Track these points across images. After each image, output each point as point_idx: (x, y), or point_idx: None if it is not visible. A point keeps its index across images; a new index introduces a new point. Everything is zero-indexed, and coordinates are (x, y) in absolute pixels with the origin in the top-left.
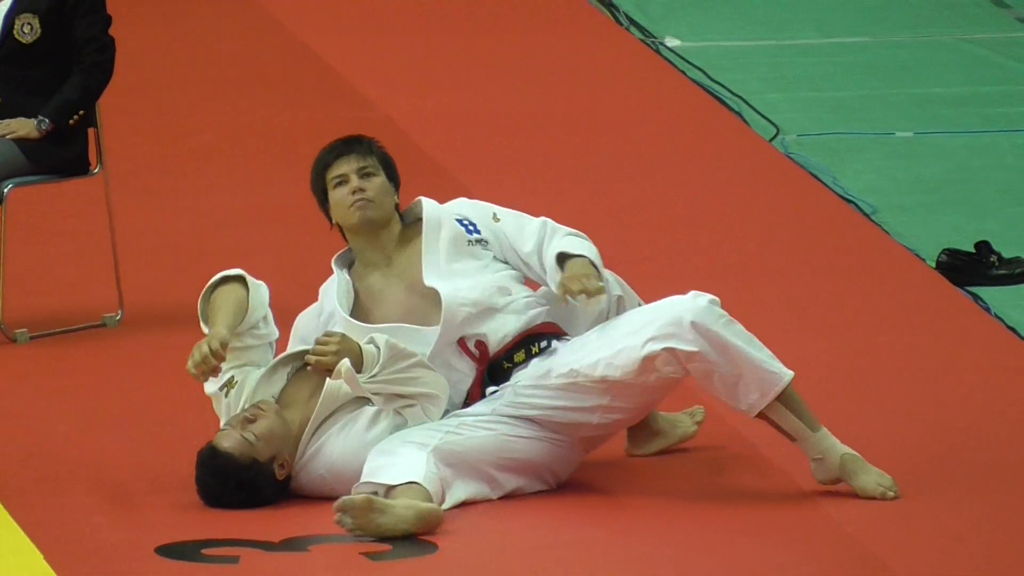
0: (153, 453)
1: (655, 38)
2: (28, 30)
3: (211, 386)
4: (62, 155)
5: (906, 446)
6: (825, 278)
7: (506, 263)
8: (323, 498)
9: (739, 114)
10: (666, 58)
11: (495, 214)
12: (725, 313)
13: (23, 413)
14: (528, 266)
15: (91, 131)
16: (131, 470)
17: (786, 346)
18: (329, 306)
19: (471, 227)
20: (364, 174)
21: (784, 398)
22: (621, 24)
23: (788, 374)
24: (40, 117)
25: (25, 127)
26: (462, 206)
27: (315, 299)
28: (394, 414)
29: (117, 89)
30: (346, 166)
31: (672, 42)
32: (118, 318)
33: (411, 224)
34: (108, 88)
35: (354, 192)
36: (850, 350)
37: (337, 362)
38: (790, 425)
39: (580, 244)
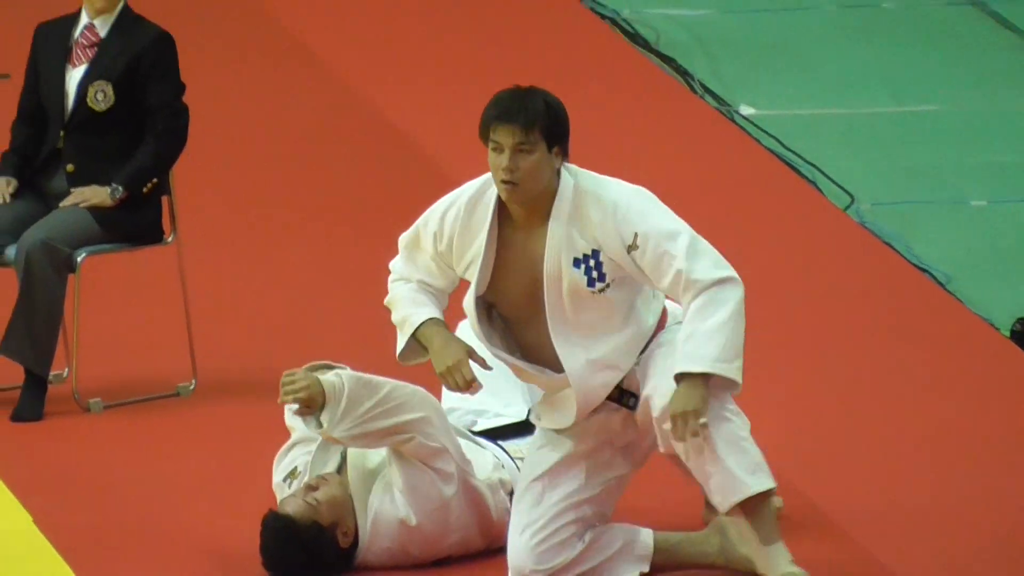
0: (224, 524)
1: (729, 106)
2: (102, 97)
3: (277, 475)
4: (136, 223)
5: (977, 516)
6: (898, 346)
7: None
8: (396, 567)
9: (813, 182)
10: (740, 126)
11: (636, 237)
12: (728, 407)
13: (96, 482)
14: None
15: (164, 199)
16: (202, 540)
17: (859, 412)
18: (468, 251)
19: (594, 273)
20: (519, 149)
21: (749, 506)
22: (695, 92)
23: (754, 488)
24: (113, 185)
25: (98, 195)
26: (605, 213)
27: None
28: (407, 465)
29: (191, 156)
30: (504, 136)
31: (746, 110)
32: (192, 387)
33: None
34: (182, 155)
35: (505, 170)
36: (922, 417)
37: (307, 399)
38: (747, 533)
39: (711, 337)
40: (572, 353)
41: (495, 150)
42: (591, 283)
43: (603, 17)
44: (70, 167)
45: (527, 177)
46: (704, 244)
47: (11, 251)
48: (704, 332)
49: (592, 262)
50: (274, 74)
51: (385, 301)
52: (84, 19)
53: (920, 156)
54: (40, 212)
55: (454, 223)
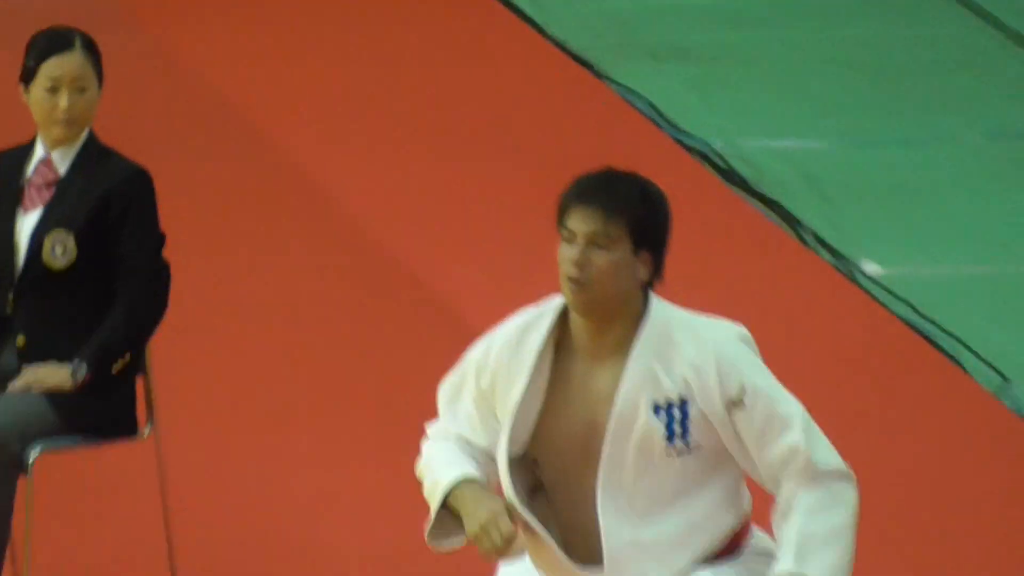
0: None
1: (849, 262)
2: (60, 251)
3: None
4: (103, 411)
5: None
6: None
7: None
8: None
9: (955, 359)
10: (863, 287)
11: (744, 392)
12: None
13: None
14: (754, 470)
15: (139, 380)
16: None
17: None
18: (514, 387)
19: (677, 427)
20: (593, 242)
21: None
22: (806, 244)
23: None
24: (75, 362)
25: (56, 376)
26: (706, 355)
27: None
28: None
29: (172, 325)
30: (579, 223)
31: (870, 267)
32: None
33: (643, 320)
34: (162, 324)
35: (574, 263)
36: None
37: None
38: None
39: (828, 543)
40: (617, 528)
41: (566, 240)
42: (670, 438)
43: (690, 150)
44: (21, 339)
45: (600, 277)
46: (813, 421)
47: None
48: (822, 536)
49: (678, 413)
50: (274, 215)
51: (416, 470)
52: (39, 152)
53: None
54: None
55: (501, 350)
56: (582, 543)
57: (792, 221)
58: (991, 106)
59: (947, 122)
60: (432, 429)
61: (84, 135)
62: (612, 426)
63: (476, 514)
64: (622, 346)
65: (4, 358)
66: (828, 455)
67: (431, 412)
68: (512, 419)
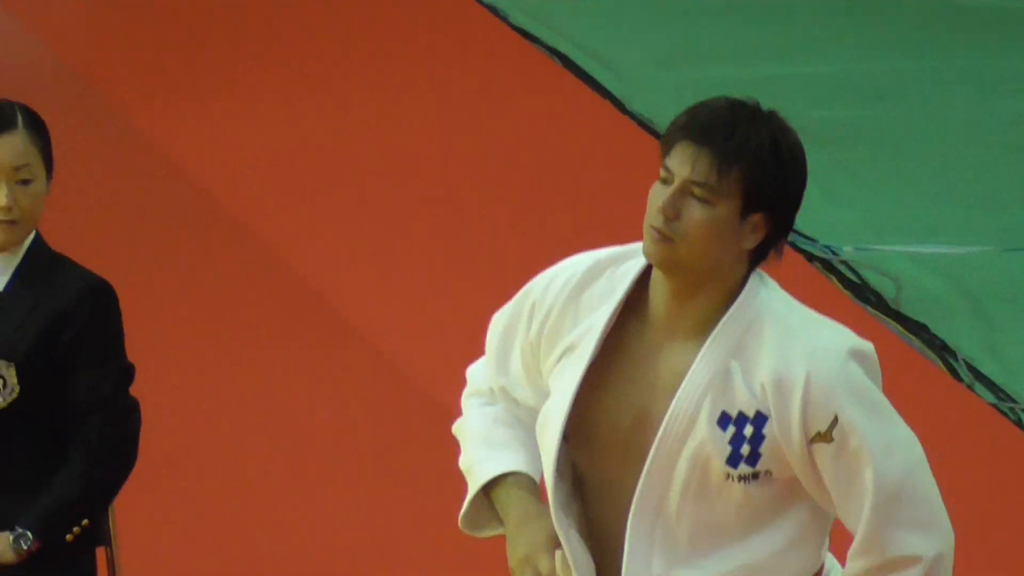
0: None
1: (1015, 403)
2: (1, 386)
3: None
4: None
5: None
6: None
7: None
8: None
9: None
10: None
11: (835, 423)
12: None
13: None
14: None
15: (100, 551)
16: None
17: None
18: (568, 335)
19: (746, 446)
20: (690, 191)
21: None
22: (960, 378)
23: None
24: (18, 530)
25: None
26: (793, 382)
27: None
28: None
29: (143, 477)
30: (680, 164)
31: None
32: None
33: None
34: (129, 479)
35: (661, 210)
36: None
37: None
38: None
39: None
40: (644, 559)
41: (663, 180)
42: (734, 460)
43: (811, 258)
44: None
45: (691, 235)
46: (928, 486)
47: None
48: None
49: (750, 429)
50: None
51: (453, 428)
52: None
53: None
54: None
55: (562, 289)
56: (611, 564)
57: (941, 348)
58: None
59: None
60: (476, 375)
61: (29, 239)
62: (665, 426)
63: (517, 541)
64: (703, 327)
65: None
66: (934, 538)
67: None
68: (572, 397)
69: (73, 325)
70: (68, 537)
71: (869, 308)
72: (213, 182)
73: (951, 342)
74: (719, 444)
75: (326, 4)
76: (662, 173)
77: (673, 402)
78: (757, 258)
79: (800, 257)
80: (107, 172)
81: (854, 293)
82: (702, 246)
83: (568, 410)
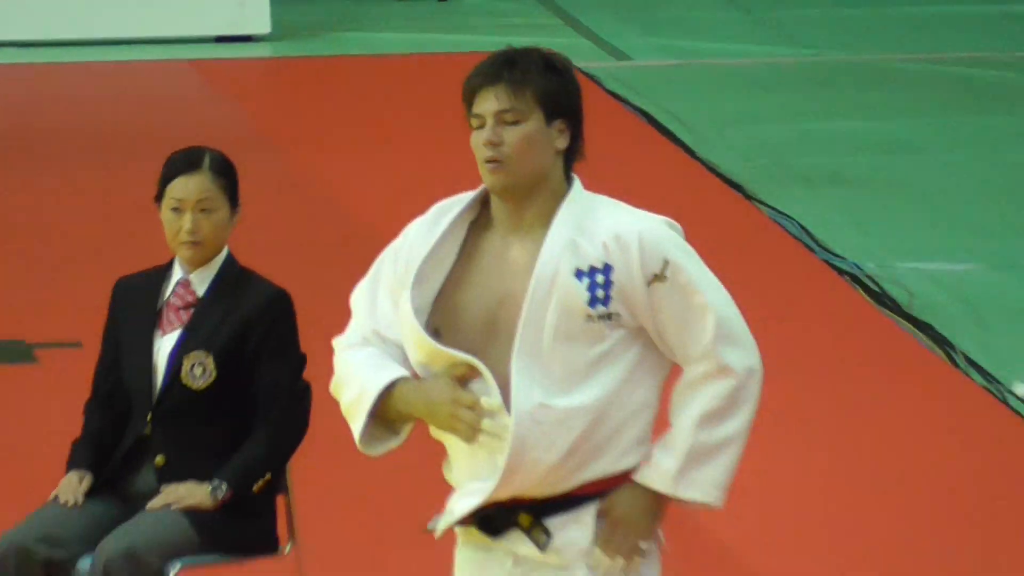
0: None
1: (1000, 384)
2: (200, 372)
3: None
4: (243, 530)
5: None
6: None
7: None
8: None
9: None
10: (1014, 408)
11: (667, 265)
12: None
13: None
14: (669, 351)
15: (280, 499)
16: None
17: None
18: (411, 255)
19: (600, 291)
20: (502, 120)
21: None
22: (958, 366)
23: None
24: (215, 482)
25: (197, 495)
26: (630, 229)
27: None
28: None
29: (314, 444)
30: (485, 103)
31: (1021, 389)
32: None
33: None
34: (302, 445)
35: (487, 144)
36: None
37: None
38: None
39: (717, 453)
40: (528, 391)
41: (476, 127)
42: (593, 302)
43: (842, 273)
44: (160, 459)
45: (517, 153)
46: (735, 313)
47: (85, 564)
48: (710, 447)
49: (601, 278)
50: None
51: (331, 388)
52: (177, 273)
53: None
54: (121, 516)
55: (416, 232)
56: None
57: (945, 344)
58: None
59: None
60: (341, 341)
61: (222, 256)
62: (531, 290)
63: (434, 406)
64: (542, 220)
65: (143, 477)
66: (739, 353)
67: None
68: (415, 275)
69: (259, 326)
70: (255, 488)
71: (887, 312)
72: (377, 218)
73: (951, 339)
74: (579, 291)
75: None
76: (473, 123)
77: (536, 270)
78: (570, 159)
79: (834, 273)
80: (286, 207)
81: (875, 300)
82: (526, 158)
83: (431, 305)
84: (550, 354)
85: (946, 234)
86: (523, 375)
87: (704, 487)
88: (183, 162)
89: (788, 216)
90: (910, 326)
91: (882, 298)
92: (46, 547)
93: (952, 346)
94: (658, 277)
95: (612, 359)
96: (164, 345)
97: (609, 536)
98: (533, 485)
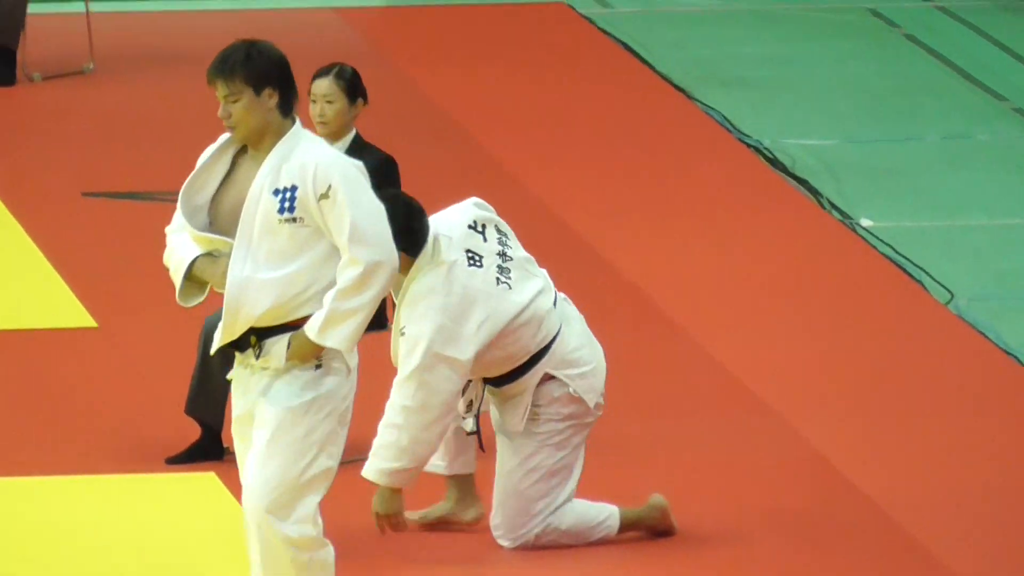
0: None
1: (852, 219)
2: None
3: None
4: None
5: None
6: (978, 419)
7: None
8: None
9: (920, 282)
10: (861, 236)
11: (331, 189)
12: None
13: None
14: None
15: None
16: None
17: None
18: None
19: (287, 204)
20: (228, 100)
21: None
22: (824, 207)
23: None
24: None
25: None
26: (314, 160)
27: None
28: None
29: None
30: (217, 89)
31: (866, 222)
32: None
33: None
34: None
35: (222, 118)
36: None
37: None
38: None
39: (338, 316)
40: (240, 267)
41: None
42: (281, 210)
43: (749, 147)
44: None
45: (240, 121)
46: (378, 225)
47: None
48: (344, 312)
49: (288, 195)
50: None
51: (164, 257)
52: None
53: (1010, 261)
54: None
55: (203, 154)
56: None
57: (815, 193)
58: (940, 120)
59: (913, 127)
60: (169, 228)
61: (351, 134)
62: (247, 201)
63: (213, 275)
64: (267, 152)
65: None
66: (366, 250)
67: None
68: (184, 185)
69: (373, 179)
70: None
71: (778, 171)
72: (481, 133)
73: (820, 189)
74: (274, 202)
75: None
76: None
77: (252, 186)
78: (285, 108)
79: (744, 147)
80: (393, 105)
81: (771, 164)
82: (248, 121)
83: (208, 203)
84: (258, 243)
85: (816, 120)
86: (238, 257)
87: (335, 338)
88: (320, 71)
89: (714, 108)
90: (794, 181)
91: (775, 163)
92: None
93: (820, 194)
94: (324, 195)
95: (301, 248)
96: None
97: (290, 353)
98: (255, 322)
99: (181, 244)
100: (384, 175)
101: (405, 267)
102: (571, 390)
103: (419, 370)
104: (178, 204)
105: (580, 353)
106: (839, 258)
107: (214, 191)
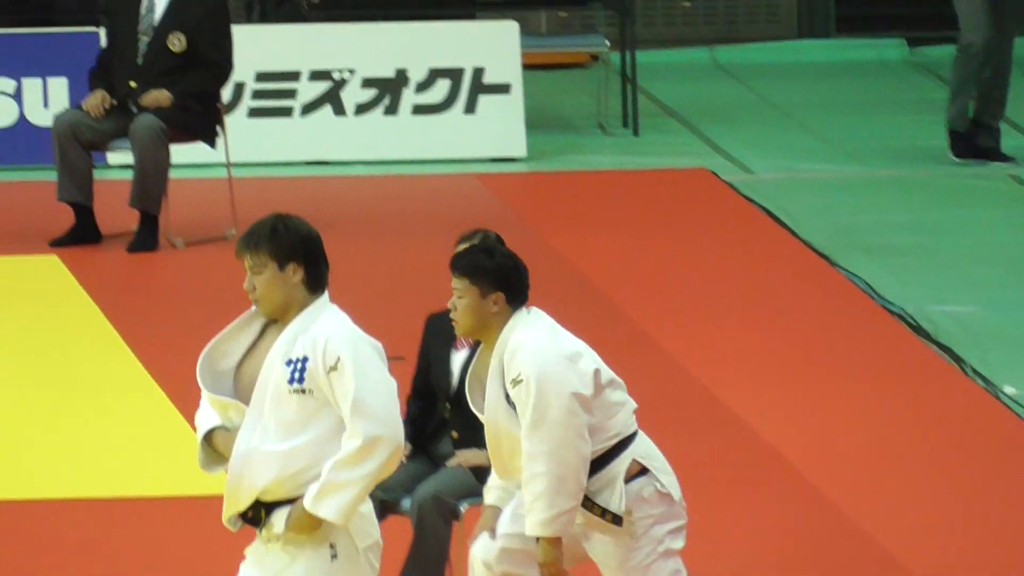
0: None
1: (995, 386)
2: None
3: None
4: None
5: None
6: None
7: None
8: None
9: None
10: (1004, 403)
11: (339, 362)
12: None
13: None
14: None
15: None
16: None
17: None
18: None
19: (297, 374)
20: (252, 271)
21: None
22: (967, 374)
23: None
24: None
25: (480, 458)
26: (323, 332)
27: None
28: None
29: None
30: (243, 262)
31: (1010, 390)
32: None
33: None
34: None
35: (246, 288)
36: None
37: None
38: None
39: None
40: (247, 437)
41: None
42: (291, 381)
43: (892, 313)
44: (455, 435)
45: (263, 295)
46: (387, 395)
47: (406, 503)
48: (340, 483)
49: (299, 365)
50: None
51: (195, 421)
52: None
53: None
54: (430, 471)
55: (235, 321)
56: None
57: (958, 360)
58: None
59: None
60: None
61: None
62: (262, 370)
63: (225, 448)
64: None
65: (443, 447)
66: (366, 425)
67: None
68: (204, 353)
69: None
70: None
71: (921, 338)
72: (621, 297)
73: (962, 355)
74: (285, 372)
75: (642, 187)
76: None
77: (267, 356)
78: (312, 286)
79: (887, 314)
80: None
81: (914, 331)
82: (271, 294)
83: (234, 370)
84: (268, 413)
85: (959, 287)
86: (248, 426)
87: (329, 509)
88: (464, 235)
89: (856, 275)
90: (936, 348)
91: (919, 330)
92: (380, 491)
93: (963, 361)
94: (333, 368)
95: (309, 420)
96: (457, 360)
97: (289, 524)
98: (259, 494)
99: (204, 410)
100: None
101: (503, 315)
102: (659, 485)
103: (545, 411)
104: (197, 366)
105: (658, 451)
106: (982, 426)
107: (239, 358)
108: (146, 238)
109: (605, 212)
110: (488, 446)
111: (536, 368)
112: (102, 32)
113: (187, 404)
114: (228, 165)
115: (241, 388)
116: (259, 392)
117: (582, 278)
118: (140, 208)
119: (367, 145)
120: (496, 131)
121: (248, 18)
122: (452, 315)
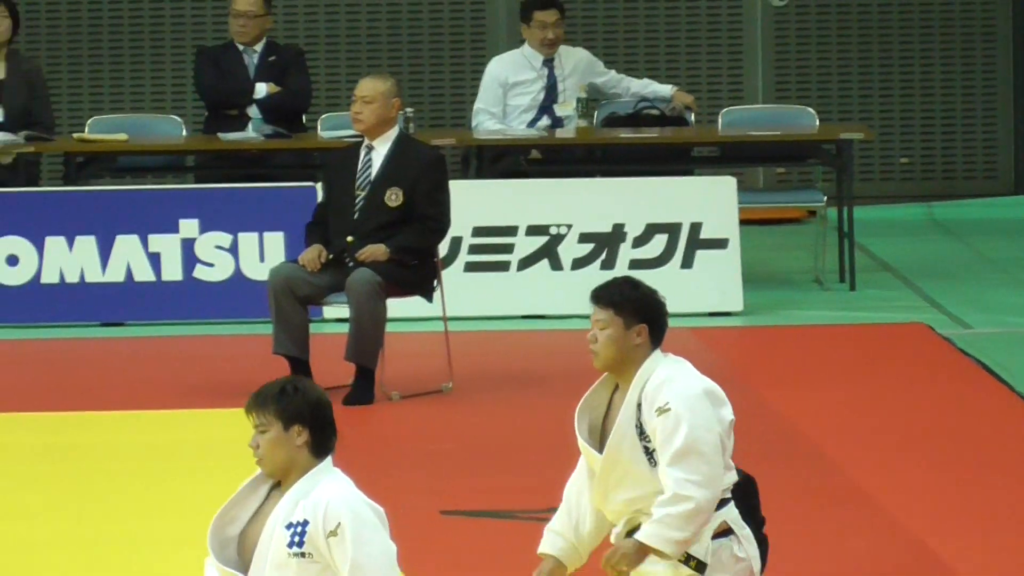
0: None
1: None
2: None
3: None
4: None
5: None
6: None
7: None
8: None
9: None
10: None
11: (340, 528)
12: None
13: None
14: None
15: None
16: None
17: None
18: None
19: (295, 539)
20: (258, 430)
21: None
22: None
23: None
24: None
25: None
26: (319, 504)
27: None
28: None
29: None
30: (250, 420)
31: None
32: None
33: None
34: None
35: (251, 447)
36: None
37: None
38: None
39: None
40: None
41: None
42: (291, 544)
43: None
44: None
45: (265, 454)
46: (386, 562)
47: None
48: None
49: (299, 529)
50: (838, 532)
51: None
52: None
53: None
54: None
55: (242, 486)
56: None
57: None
58: None
59: None
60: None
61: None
62: (261, 538)
63: None
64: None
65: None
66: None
67: None
68: (215, 518)
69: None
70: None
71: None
72: (837, 453)
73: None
74: (285, 536)
75: (858, 343)
76: None
77: (268, 522)
78: (316, 451)
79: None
80: (750, 442)
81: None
82: (274, 455)
83: (238, 537)
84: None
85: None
86: None
87: None
88: None
89: None
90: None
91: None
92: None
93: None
94: (332, 533)
95: None
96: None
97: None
98: None
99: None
100: (743, 494)
101: (644, 348)
102: (736, 549)
103: (695, 443)
104: (208, 532)
105: (744, 523)
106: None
107: (244, 523)
108: (362, 391)
109: (821, 366)
110: (596, 473)
111: (688, 401)
112: (319, 187)
113: (408, 557)
114: (444, 319)
115: (244, 553)
116: (259, 557)
117: (797, 431)
118: (356, 362)
119: (584, 299)
120: (713, 285)
121: (464, 174)
122: (592, 347)
